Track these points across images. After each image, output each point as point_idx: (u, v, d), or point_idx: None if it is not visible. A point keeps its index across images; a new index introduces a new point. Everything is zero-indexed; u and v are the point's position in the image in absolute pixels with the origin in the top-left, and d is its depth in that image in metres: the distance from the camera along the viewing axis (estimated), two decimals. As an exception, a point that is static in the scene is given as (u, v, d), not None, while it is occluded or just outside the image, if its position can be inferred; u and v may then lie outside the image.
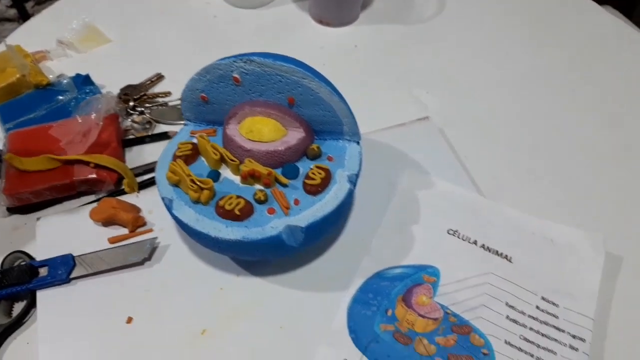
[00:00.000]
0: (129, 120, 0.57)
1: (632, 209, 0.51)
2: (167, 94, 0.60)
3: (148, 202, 0.49)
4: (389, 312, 0.42)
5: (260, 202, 0.39)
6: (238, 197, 0.39)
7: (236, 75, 0.40)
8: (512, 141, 0.57)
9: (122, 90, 0.60)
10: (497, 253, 0.46)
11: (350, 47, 0.67)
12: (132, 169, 0.53)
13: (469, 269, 0.45)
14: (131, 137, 0.56)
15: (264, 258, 0.42)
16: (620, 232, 0.48)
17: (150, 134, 0.57)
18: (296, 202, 0.39)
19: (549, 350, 0.40)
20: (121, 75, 0.62)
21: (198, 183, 0.38)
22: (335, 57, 0.66)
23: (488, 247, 0.47)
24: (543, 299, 0.43)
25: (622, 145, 0.57)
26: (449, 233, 0.48)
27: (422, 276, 0.45)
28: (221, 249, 0.40)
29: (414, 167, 0.52)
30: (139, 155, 0.55)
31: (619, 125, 0.59)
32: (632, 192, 0.52)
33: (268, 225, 0.38)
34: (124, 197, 0.50)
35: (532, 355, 0.40)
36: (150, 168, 0.53)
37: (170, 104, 0.59)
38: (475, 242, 0.47)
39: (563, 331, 0.42)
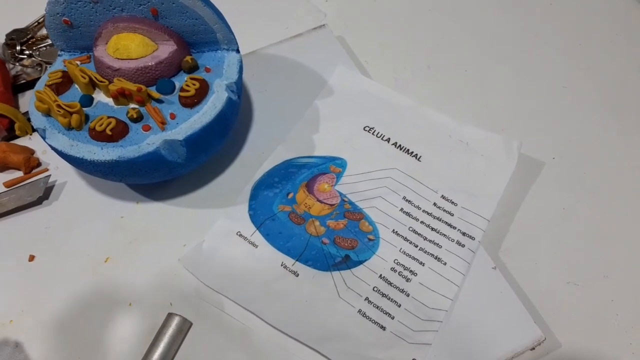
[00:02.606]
0: (18, 65, 0.55)
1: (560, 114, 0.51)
2: (58, 34, 0.58)
3: (42, 142, 0.48)
4: (290, 196, 0.44)
5: (134, 120, 0.38)
6: (109, 117, 0.38)
7: (90, -9, 0.38)
8: (413, 42, 0.56)
9: (7, 35, 0.57)
10: (407, 151, 0.47)
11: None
12: (25, 113, 0.51)
13: (375, 163, 0.46)
14: (23, 82, 0.54)
15: (153, 179, 0.42)
16: (547, 138, 0.49)
17: (42, 75, 0.54)
18: (172, 116, 0.39)
19: (435, 243, 0.42)
20: (6, 21, 0.58)
21: (65, 107, 0.37)
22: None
23: (400, 145, 0.47)
24: (443, 197, 0.44)
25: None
26: (364, 129, 0.48)
27: (329, 166, 0.46)
28: (103, 173, 0.39)
29: (312, 76, 0.52)
30: (33, 100, 0.53)
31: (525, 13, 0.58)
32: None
33: (144, 142, 0.38)
34: (18, 141, 0.49)
35: (416, 246, 0.41)
36: (45, 110, 0.52)
37: (60, 43, 0.57)
38: (388, 140, 0.47)
39: (455, 228, 0.42)
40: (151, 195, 0.45)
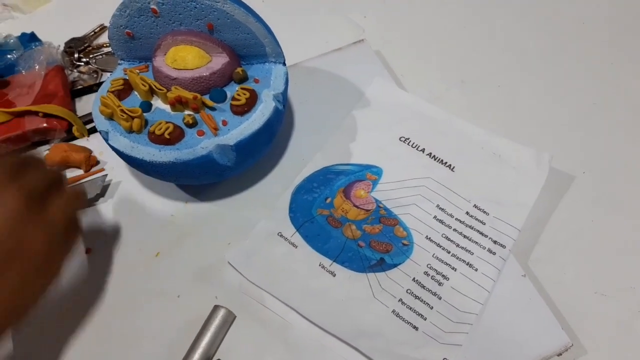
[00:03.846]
0: (76, 71, 0.59)
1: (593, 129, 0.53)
2: (112, 43, 0.62)
3: (98, 144, 0.52)
4: (328, 200, 0.47)
5: (189, 125, 0.41)
6: (167, 122, 0.41)
7: (153, 7, 0.41)
8: (448, 57, 0.59)
9: (66, 43, 0.61)
10: (441, 162, 0.49)
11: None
12: (82, 117, 0.55)
13: (410, 172, 0.48)
14: (80, 87, 0.58)
15: (204, 180, 0.45)
16: (578, 153, 0.51)
17: (97, 82, 0.58)
18: (224, 123, 0.42)
19: (467, 250, 0.44)
20: (66, 31, 0.63)
21: (128, 112, 0.41)
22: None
23: (434, 156, 0.49)
24: (475, 206, 0.46)
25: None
26: (400, 139, 0.50)
27: (365, 174, 0.48)
28: (160, 174, 0.42)
29: (350, 88, 0.55)
30: (88, 104, 0.57)
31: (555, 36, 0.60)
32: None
33: (198, 146, 0.41)
34: (75, 142, 0.52)
35: (448, 252, 0.43)
36: (100, 114, 0.55)
37: (115, 53, 0.61)
38: (423, 150, 0.50)
39: (486, 236, 0.44)
40: (199, 196, 0.48)
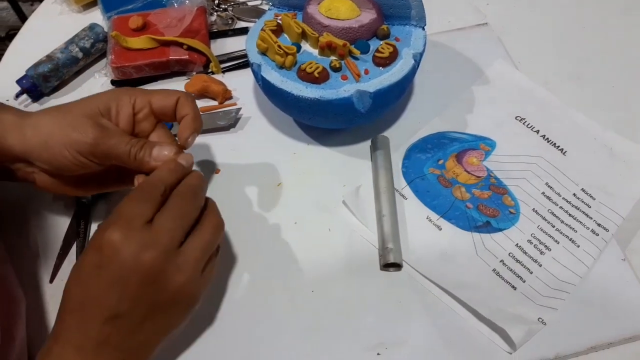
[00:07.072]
0: (215, 15, 0.64)
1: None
2: (247, -5, 0.67)
3: (232, 82, 0.57)
4: (440, 162, 0.50)
5: (335, 69, 0.45)
6: (317, 63, 0.45)
7: (319, -43, 0.45)
8: (565, 52, 0.60)
9: (207, -12, 0.66)
10: (554, 145, 0.51)
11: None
12: (217, 56, 0.60)
13: (523, 149, 0.51)
14: (215, 30, 0.63)
15: (335, 123, 0.49)
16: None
17: (231, 28, 0.63)
18: (366, 71, 0.46)
19: (570, 227, 0.46)
20: (207, -22, 0.68)
21: (284, 49, 0.45)
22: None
23: (548, 138, 0.52)
24: (583, 190, 0.48)
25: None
26: (516, 118, 0.53)
27: (479, 144, 0.51)
28: (300, 109, 0.46)
29: (469, 65, 0.57)
30: (221, 47, 0.62)
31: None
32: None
33: (342, 88, 0.45)
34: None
35: (553, 226, 0.46)
36: (232, 57, 0.61)
37: (249, 3, 0.66)
38: (537, 131, 0.52)
39: (591, 218, 0.46)
40: (320, 140, 0.52)
